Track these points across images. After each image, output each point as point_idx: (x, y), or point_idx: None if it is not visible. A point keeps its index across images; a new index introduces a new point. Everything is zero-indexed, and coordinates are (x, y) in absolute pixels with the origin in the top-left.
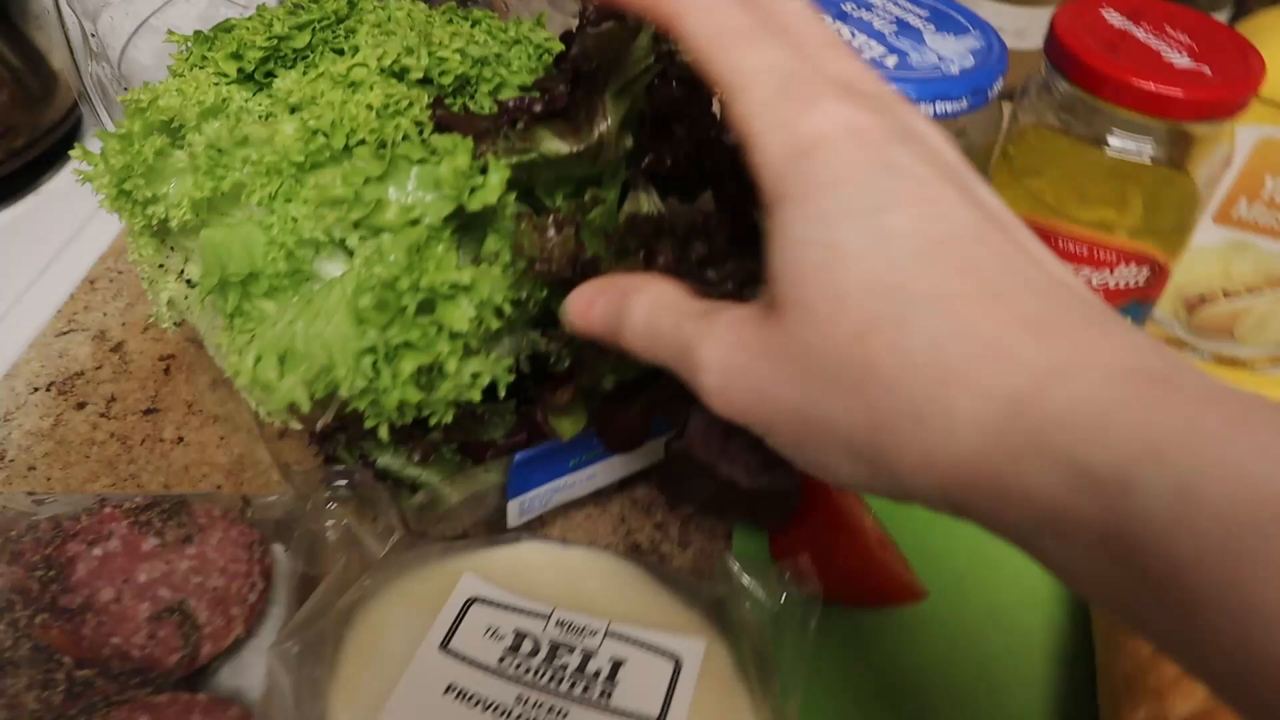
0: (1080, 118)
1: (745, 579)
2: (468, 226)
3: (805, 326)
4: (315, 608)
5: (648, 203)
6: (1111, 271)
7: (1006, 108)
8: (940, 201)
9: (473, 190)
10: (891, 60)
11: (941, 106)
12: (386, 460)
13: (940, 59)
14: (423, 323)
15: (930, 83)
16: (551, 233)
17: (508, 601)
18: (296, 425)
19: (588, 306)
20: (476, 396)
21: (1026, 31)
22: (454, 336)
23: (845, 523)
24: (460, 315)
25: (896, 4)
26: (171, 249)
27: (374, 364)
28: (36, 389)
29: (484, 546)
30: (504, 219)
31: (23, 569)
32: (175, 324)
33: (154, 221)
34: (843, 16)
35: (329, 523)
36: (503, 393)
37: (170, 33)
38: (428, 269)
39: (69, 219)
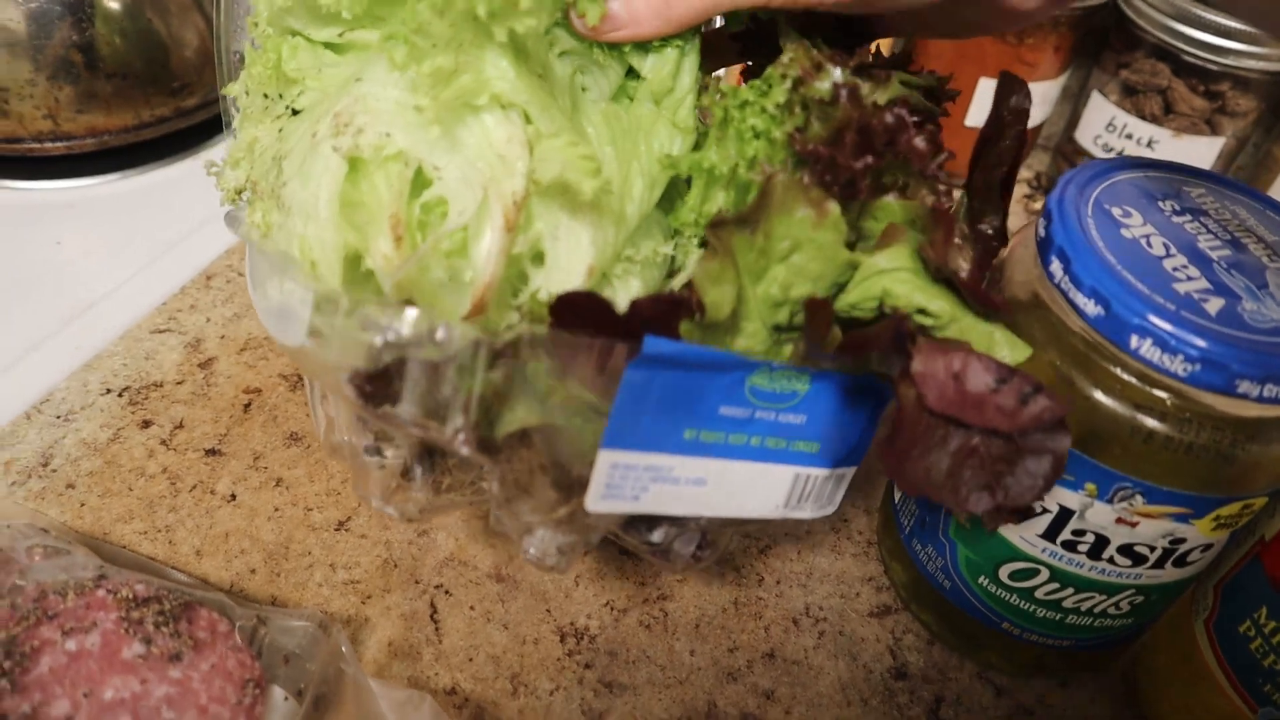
0: None
1: None
2: None
3: None
4: None
5: None
6: None
7: None
8: None
9: None
10: (1214, 305)
11: (1273, 389)
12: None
13: None
14: None
15: (1264, 354)
16: None
17: None
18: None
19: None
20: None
21: None
22: None
23: None
24: None
25: (1242, 213)
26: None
27: None
28: (109, 390)
29: None
30: None
31: None
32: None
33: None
34: (1160, 223)
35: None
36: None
37: None
38: None
39: (212, 197)
